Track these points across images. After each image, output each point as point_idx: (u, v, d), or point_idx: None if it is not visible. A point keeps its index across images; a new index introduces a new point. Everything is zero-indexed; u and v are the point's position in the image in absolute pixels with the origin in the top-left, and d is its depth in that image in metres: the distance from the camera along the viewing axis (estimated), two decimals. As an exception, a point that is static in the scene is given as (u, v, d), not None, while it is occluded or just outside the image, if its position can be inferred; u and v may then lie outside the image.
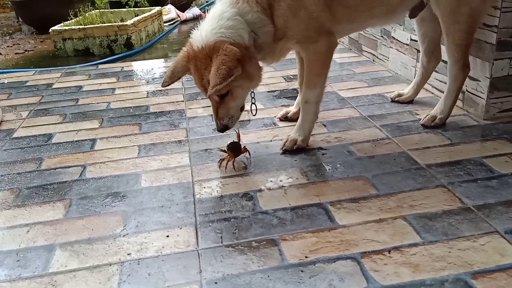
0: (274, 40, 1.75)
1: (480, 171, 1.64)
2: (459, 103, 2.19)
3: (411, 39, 2.54)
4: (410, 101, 2.31)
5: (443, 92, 2.30)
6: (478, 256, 1.23)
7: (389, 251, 1.27)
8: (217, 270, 1.25)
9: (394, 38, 2.74)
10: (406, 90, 2.34)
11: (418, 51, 2.48)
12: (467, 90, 2.12)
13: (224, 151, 1.83)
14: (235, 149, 1.81)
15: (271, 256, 1.29)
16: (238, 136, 1.87)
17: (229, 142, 1.83)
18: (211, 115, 2.34)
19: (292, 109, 2.22)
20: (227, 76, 1.55)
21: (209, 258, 1.29)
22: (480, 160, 1.72)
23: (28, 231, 1.48)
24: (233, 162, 1.79)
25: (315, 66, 1.82)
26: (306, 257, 1.27)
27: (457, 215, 1.41)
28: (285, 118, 2.21)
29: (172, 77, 1.74)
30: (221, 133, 1.82)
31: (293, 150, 1.88)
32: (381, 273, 1.19)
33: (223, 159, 1.81)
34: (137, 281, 1.23)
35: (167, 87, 1.83)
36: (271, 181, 1.68)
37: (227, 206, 1.54)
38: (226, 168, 1.78)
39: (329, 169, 1.74)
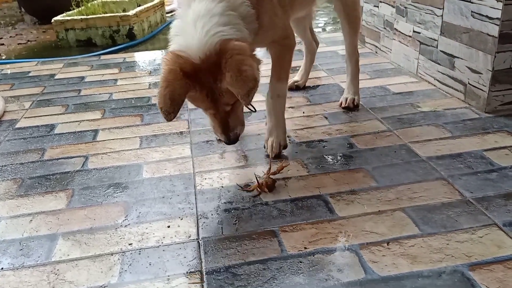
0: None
1: (480, 164, 1.65)
2: (460, 95, 2.19)
3: (414, 31, 2.53)
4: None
5: (444, 84, 2.30)
6: (476, 248, 1.24)
7: (388, 243, 1.28)
8: (217, 261, 1.26)
9: (397, 30, 2.73)
10: (298, 77, 2.54)
11: (421, 43, 2.48)
12: (469, 83, 2.12)
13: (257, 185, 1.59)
14: (269, 186, 1.58)
15: (271, 247, 1.30)
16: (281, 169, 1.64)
17: (264, 177, 1.60)
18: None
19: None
20: (255, 75, 1.34)
21: (210, 249, 1.31)
22: (480, 153, 1.72)
23: (31, 220, 1.50)
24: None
25: (288, 60, 1.78)
26: (306, 248, 1.29)
27: (456, 207, 1.42)
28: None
29: (175, 104, 1.35)
30: (233, 144, 1.63)
31: (281, 152, 1.81)
32: (379, 264, 1.21)
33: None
34: (138, 270, 1.24)
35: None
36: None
37: (227, 197, 1.56)
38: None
39: (329, 161, 1.74)
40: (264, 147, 1.85)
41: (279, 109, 1.79)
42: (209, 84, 1.39)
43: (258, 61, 1.48)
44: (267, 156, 1.81)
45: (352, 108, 2.20)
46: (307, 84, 2.53)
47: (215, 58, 1.34)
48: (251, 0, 1.49)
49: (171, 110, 1.35)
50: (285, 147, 1.83)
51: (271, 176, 1.60)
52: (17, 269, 1.28)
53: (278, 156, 1.80)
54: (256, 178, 1.59)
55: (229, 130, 1.54)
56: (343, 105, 2.22)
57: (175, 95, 1.35)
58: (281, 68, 1.78)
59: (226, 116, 1.51)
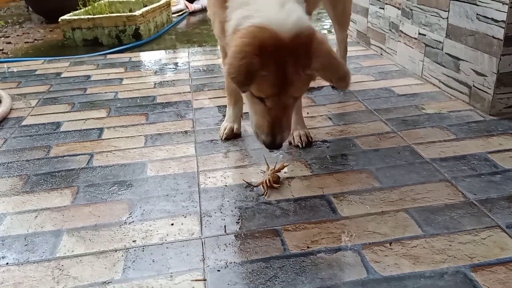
0: None
1: (484, 166, 1.65)
2: (465, 98, 2.19)
3: (419, 33, 2.53)
4: None
5: (449, 87, 2.30)
6: (479, 250, 1.24)
7: (390, 243, 1.29)
8: (220, 258, 1.27)
9: (402, 32, 2.73)
10: None
11: (426, 45, 2.48)
12: (473, 85, 2.12)
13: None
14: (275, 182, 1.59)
15: (274, 246, 1.31)
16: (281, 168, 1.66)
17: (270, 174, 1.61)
18: (218, 106, 2.36)
19: None
20: (346, 68, 1.35)
21: (213, 247, 1.32)
22: (484, 155, 1.72)
23: (36, 216, 1.51)
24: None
25: None
26: (308, 247, 1.29)
27: (459, 209, 1.42)
28: None
29: (250, 78, 1.26)
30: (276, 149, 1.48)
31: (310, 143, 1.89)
32: (381, 264, 1.21)
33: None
34: (142, 267, 1.25)
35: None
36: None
37: (231, 196, 1.56)
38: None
39: (333, 162, 1.75)
40: (290, 143, 1.90)
41: (298, 108, 1.86)
42: (286, 67, 1.27)
43: None
44: (297, 146, 1.87)
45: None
46: (311, 85, 2.53)
47: (304, 40, 1.26)
48: None
49: (246, 82, 1.26)
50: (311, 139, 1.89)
51: (275, 173, 1.61)
52: (22, 264, 1.29)
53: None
54: (261, 182, 1.60)
55: (279, 131, 1.39)
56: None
57: (252, 69, 1.24)
58: None
59: (282, 113, 1.37)
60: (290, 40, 1.25)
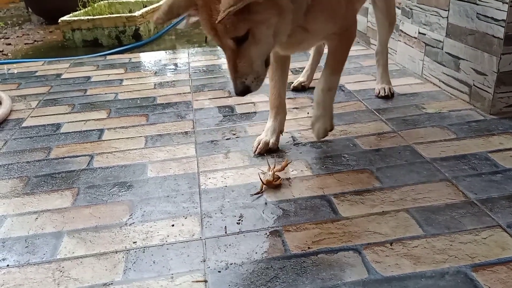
0: (299, 28, 1.49)
1: (485, 165, 1.65)
2: (465, 97, 2.19)
3: (419, 33, 2.53)
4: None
5: (449, 86, 2.30)
6: (480, 250, 1.24)
7: (391, 243, 1.28)
8: (220, 259, 1.27)
9: (402, 31, 2.73)
10: (304, 78, 2.54)
11: (426, 44, 2.47)
12: (474, 85, 2.12)
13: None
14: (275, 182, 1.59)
15: (274, 246, 1.31)
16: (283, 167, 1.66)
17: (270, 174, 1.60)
18: (218, 107, 2.36)
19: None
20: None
21: (213, 247, 1.32)
22: (485, 155, 1.72)
23: (36, 218, 1.51)
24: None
25: (346, 53, 1.75)
26: (309, 248, 1.29)
27: (460, 208, 1.42)
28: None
29: (169, 13, 1.33)
30: (240, 96, 1.48)
31: (325, 136, 1.82)
32: (382, 264, 1.21)
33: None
34: (142, 268, 1.25)
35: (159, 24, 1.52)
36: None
37: (231, 196, 1.56)
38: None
39: (333, 162, 1.75)
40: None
41: (329, 101, 1.76)
42: (211, 6, 1.27)
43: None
44: (316, 139, 1.84)
45: (390, 96, 2.33)
46: (312, 85, 2.53)
47: None
48: None
49: (162, 16, 1.33)
50: (331, 129, 1.82)
51: (276, 173, 1.61)
52: (23, 266, 1.29)
53: (322, 140, 1.86)
54: (260, 176, 1.60)
55: (236, 77, 1.39)
56: (381, 94, 2.33)
57: (174, 6, 1.32)
58: (338, 60, 1.74)
59: (234, 57, 1.36)
60: None
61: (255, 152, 1.83)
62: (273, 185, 1.58)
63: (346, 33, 1.69)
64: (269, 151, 1.83)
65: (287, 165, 1.66)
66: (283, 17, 1.36)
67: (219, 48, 2.78)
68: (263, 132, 1.88)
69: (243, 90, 1.41)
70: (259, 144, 1.84)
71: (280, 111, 1.87)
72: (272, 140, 1.84)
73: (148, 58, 3.56)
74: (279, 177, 1.61)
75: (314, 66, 2.52)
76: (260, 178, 1.59)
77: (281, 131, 1.89)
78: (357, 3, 1.83)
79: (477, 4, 2.02)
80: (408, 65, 2.71)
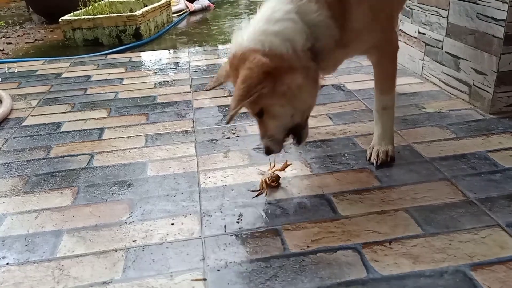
0: (337, 46, 1.45)
1: (484, 165, 1.65)
2: (465, 97, 2.19)
3: (419, 32, 2.53)
4: None
5: (449, 86, 2.30)
6: (478, 249, 1.24)
7: (390, 242, 1.29)
8: (220, 258, 1.27)
9: (402, 31, 2.73)
10: None
11: (426, 44, 2.48)
12: (473, 84, 2.12)
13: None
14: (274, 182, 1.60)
15: (274, 245, 1.31)
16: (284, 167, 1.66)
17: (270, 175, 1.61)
18: (218, 106, 2.37)
19: None
20: (244, 97, 1.28)
21: (213, 246, 1.32)
22: (484, 154, 1.72)
23: (36, 217, 1.52)
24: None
25: (391, 68, 1.67)
26: (308, 246, 1.29)
27: (459, 208, 1.42)
28: None
29: (215, 82, 1.57)
30: (267, 155, 1.54)
31: (387, 162, 1.68)
32: (381, 263, 1.21)
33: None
34: (142, 267, 1.26)
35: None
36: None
37: (231, 195, 1.57)
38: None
39: (333, 161, 1.75)
40: (367, 158, 1.73)
41: (386, 120, 1.71)
42: (235, 80, 1.38)
43: (302, 78, 1.36)
44: (371, 163, 1.70)
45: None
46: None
47: (239, 62, 1.35)
48: (331, 5, 1.37)
49: (211, 84, 1.59)
50: (392, 159, 1.69)
51: (275, 172, 1.61)
52: (22, 264, 1.30)
53: (384, 165, 1.67)
54: (261, 181, 1.60)
55: (262, 139, 1.48)
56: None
57: (219, 76, 1.55)
58: (384, 79, 1.69)
59: (259, 123, 1.48)
60: (232, 59, 1.39)
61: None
62: (273, 185, 1.58)
63: (387, 44, 1.63)
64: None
65: (287, 166, 1.66)
66: (297, 95, 1.39)
67: (219, 47, 2.78)
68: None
69: (265, 151, 1.50)
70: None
71: None
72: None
73: (149, 57, 3.56)
74: (279, 177, 1.61)
75: None
76: (263, 180, 1.59)
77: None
78: (394, 11, 1.73)
79: (477, 4, 2.02)
80: (408, 64, 2.71)
